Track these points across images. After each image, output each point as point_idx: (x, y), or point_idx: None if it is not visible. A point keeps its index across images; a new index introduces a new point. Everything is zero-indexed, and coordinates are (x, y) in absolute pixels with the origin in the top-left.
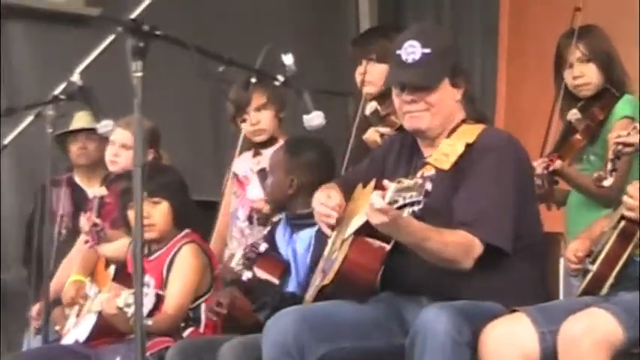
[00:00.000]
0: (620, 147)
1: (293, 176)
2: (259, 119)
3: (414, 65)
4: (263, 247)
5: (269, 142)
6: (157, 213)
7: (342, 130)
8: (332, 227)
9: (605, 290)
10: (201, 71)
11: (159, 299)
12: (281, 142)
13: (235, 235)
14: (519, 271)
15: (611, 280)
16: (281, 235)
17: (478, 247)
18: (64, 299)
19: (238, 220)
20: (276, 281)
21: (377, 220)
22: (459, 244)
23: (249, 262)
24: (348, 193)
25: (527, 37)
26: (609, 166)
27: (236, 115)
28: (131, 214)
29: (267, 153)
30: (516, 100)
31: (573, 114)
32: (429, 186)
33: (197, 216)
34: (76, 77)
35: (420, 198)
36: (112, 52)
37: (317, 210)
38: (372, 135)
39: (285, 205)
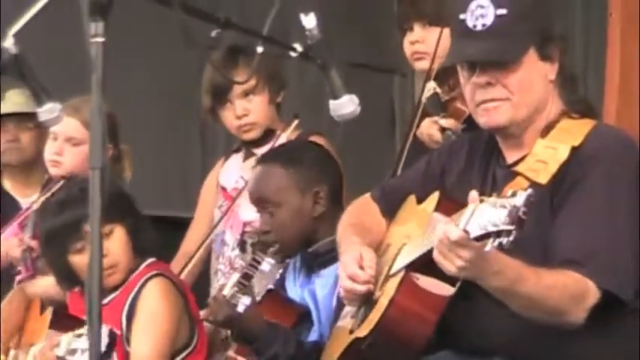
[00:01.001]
0: None
1: (317, 188)
2: (248, 108)
3: (486, 34)
4: (267, 264)
5: (264, 137)
6: (114, 246)
7: (383, 122)
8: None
9: None
10: (188, 38)
11: (113, 339)
12: (282, 136)
13: (221, 267)
14: (627, 327)
15: None
16: (292, 278)
17: (593, 295)
18: None
19: (226, 246)
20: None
21: (453, 257)
22: (567, 289)
23: (247, 281)
24: (390, 211)
25: None
26: None
27: (215, 104)
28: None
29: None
30: (633, 81)
31: None
32: (524, 211)
33: (156, 237)
34: (8, 42)
35: (512, 227)
36: (61, 7)
37: (343, 285)
38: (429, 128)
39: (308, 240)
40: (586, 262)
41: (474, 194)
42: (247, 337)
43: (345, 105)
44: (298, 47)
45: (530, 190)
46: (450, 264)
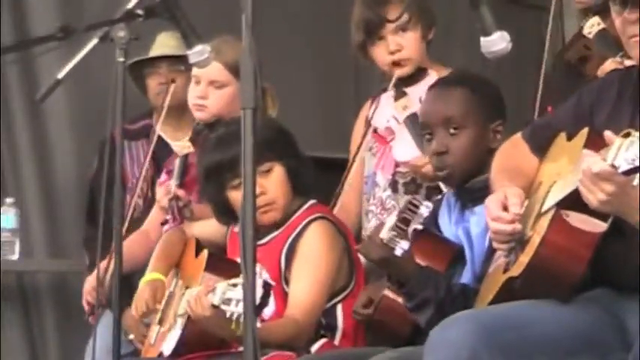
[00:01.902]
0: None
1: (500, 120)
2: (401, 44)
3: None
4: (425, 208)
5: (416, 75)
6: (272, 184)
7: (532, 63)
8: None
9: None
10: None
11: (268, 291)
12: (433, 75)
13: (372, 208)
14: None
15: None
16: (446, 216)
17: None
18: (136, 307)
19: (377, 187)
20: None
21: (596, 191)
22: None
23: (405, 226)
24: (541, 149)
25: None
26: None
27: (366, 39)
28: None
29: (416, 92)
30: None
31: None
32: None
33: (317, 180)
34: None
35: None
36: None
37: (491, 226)
38: (611, 68)
39: (478, 172)
40: None
41: (608, 133)
42: (400, 279)
43: (497, 42)
44: None
45: None
46: (594, 197)
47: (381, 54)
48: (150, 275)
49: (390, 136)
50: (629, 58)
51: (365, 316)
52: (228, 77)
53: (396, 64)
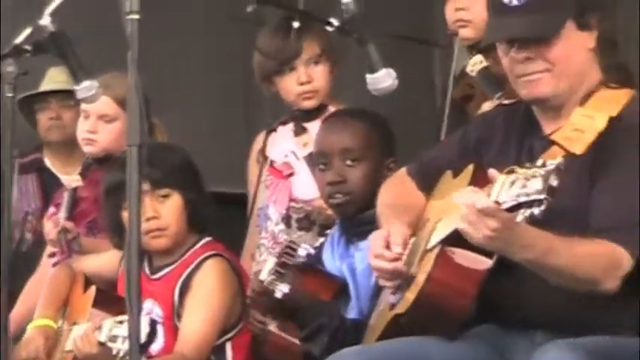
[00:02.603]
0: None
1: (393, 158)
2: (312, 76)
3: (523, 9)
4: (303, 250)
5: (316, 111)
6: (167, 210)
7: (424, 97)
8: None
9: None
10: (231, 11)
11: (154, 327)
12: (332, 110)
13: (265, 242)
14: None
15: None
16: (329, 251)
17: (627, 262)
18: (27, 351)
19: (270, 220)
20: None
21: (479, 227)
22: (599, 258)
23: (285, 270)
24: (427, 185)
25: None
26: None
27: (276, 69)
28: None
29: (316, 128)
30: None
31: None
32: (554, 180)
33: (217, 215)
34: (45, 20)
35: (542, 196)
36: None
37: (372, 264)
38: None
39: (368, 205)
40: (620, 231)
41: (492, 171)
42: (290, 315)
43: (383, 79)
44: (335, 22)
45: (560, 159)
46: (478, 234)
47: (290, 84)
48: (40, 321)
49: (287, 170)
50: (509, 97)
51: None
52: (117, 111)
53: (305, 95)
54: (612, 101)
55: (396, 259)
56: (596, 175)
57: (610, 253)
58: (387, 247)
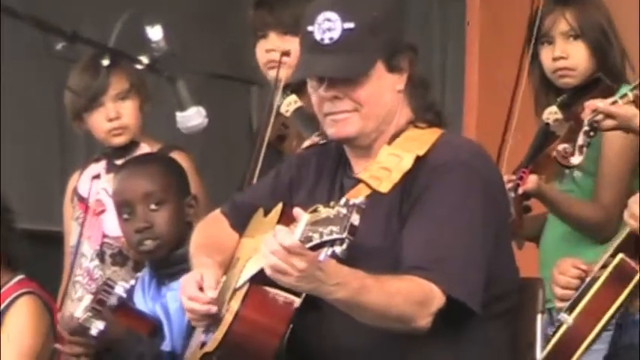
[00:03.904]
0: (599, 117)
1: (191, 195)
2: (120, 112)
3: (333, 48)
4: (120, 287)
5: (127, 149)
6: None
7: (241, 136)
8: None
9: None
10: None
11: None
12: (145, 148)
13: (79, 279)
14: (489, 334)
15: (589, 341)
16: (141, 293)
17: (438, 299)
18: None
19: (84, 257)
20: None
21: (287, 267)
22: (412, 295)
23: (101, 307)
24: (240, 224)
25: (507, 5)
26: (580, 140)
27: (83, 109)
28: None
29: None
30: (493, 91)
31: (551, 113)
32: (355, 219)
33: (31, 254)
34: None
35: (344, 235)
36: None
37: (185, 305)
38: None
39: (178, 245)
40: (431, 267)
41: (297, 210)
42: (106, 352)
43: (192, 117)
44: (145, 59)
45: (361, 198)
46: (286, 276)
47: (99, 121)
48: None
49: (99, 207)
50: (324, 137)
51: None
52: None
53: (114, 132)
54: (420, 140)
55: (209, 302)
56: (407, 215)
57: (422, 290)
58: (201, 289)
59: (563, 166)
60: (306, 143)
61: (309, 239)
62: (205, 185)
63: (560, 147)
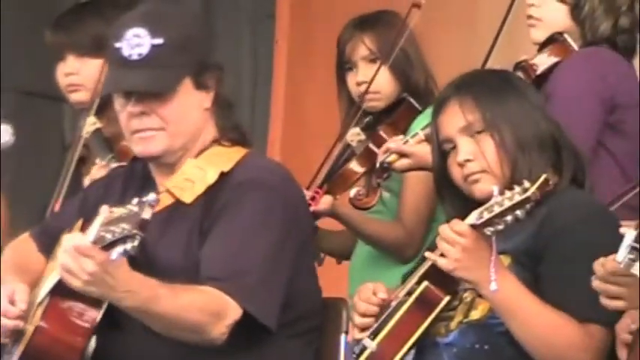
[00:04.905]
0: (391, 157)
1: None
2: None
3: (141, 63)
4: None
5: None
6: None
7: (54, 155)
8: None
9: None
10: None
11: None
12: None
13: None
14: (289, 352)
15: None
16: None
17: (234, 311)
18: None
19: None
20: None
21: (77, 271)
22: (206, 305)
23: None
24: (48, 247)
25: (317, 25)
26: (373, 181)
27: None
28: None
29: None
30: (300, 111)
31: (354, 134)
32: (147, 213)
33: None
34: None
35: (134, 231)
36: None
37: None
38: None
39: None
40: (227, 279)
41: (104, 208)
42: None
43: None
44: None
45: (152, 195)
46: (75, 278)
47: None
48: None
49: None
50: (118, 160)
51: None
52: None
53: None
54: (225, 157)
55: (19, 317)
56: (209, 229)
57: (216, 302)
58: (12, 303)
59: (361, 209)
60: (95, 169)
61: (103, 239)
62: (17, 203)
63: (353, 192)
